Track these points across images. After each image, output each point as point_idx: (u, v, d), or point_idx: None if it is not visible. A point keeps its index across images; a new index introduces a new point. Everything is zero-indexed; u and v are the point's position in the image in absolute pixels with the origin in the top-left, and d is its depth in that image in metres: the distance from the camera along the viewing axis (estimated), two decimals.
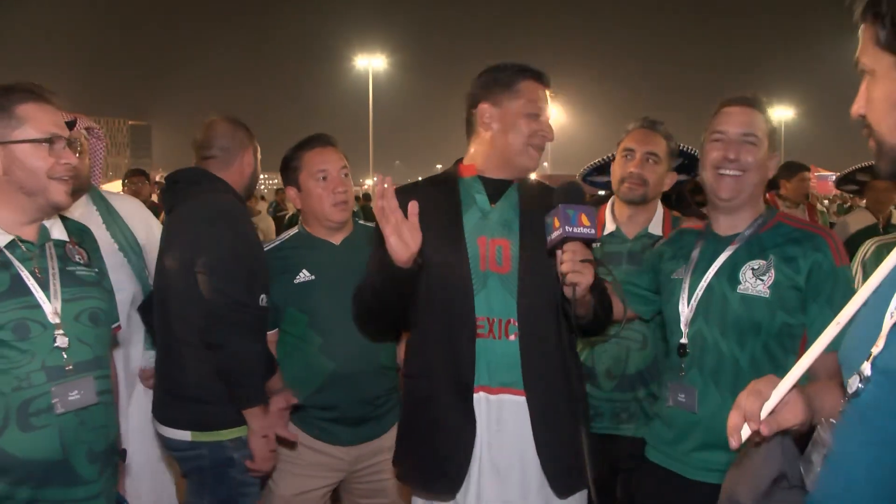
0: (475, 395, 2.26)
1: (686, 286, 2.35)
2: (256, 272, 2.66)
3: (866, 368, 1.21)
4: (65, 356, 2.10)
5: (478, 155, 2.42)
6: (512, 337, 2.26)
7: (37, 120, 2.08)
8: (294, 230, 3.00)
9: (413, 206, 2.12)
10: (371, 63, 51.38)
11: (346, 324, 2.73)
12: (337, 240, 2.93)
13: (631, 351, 2.93)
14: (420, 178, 2.70)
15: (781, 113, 60.77)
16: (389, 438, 2.70)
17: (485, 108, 2.37)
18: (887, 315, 1.21)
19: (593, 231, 2.03)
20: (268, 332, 2.83)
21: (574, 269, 2.04)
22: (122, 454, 2.42)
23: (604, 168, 3.68)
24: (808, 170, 6.43)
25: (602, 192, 4.36)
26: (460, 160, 2.51)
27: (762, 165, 2.30)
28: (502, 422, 2.26)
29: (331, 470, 2.85)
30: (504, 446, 2.25)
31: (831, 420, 1.28)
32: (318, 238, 2.92)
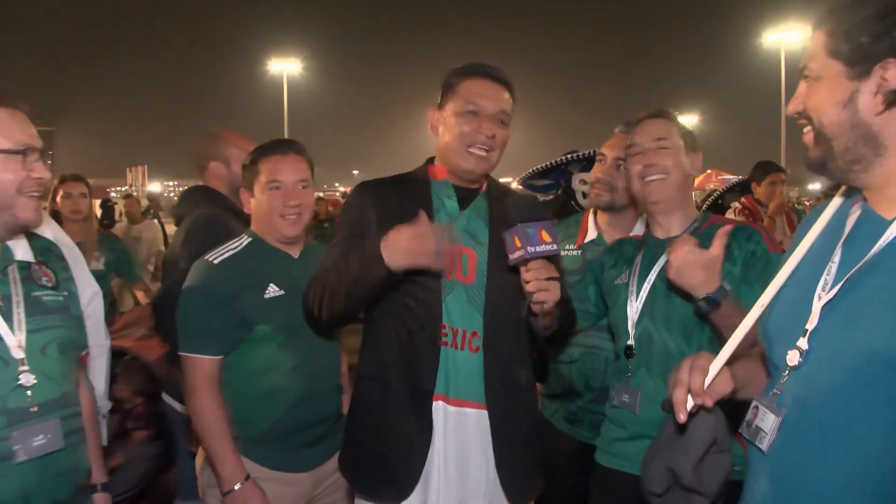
0: (434, 404, 2.23)
1: (633, 289, 2.40)
2: None
3: (803, 343, 1.44)
4: (29, 395, 1.87)
5: (439, 160, 2.41)
6: (475, 349, 2.25)
7: (8, 128, 1.86)
8: (244, 240, 2.72)
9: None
10: (286, 68, 50.74)
11: (316, 343, 2.64)
12: (295, 252, 2.74)
13: (609, 363, 2.83)
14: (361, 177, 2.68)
15: (685, 120, 62.84)
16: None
17: (430, 113, 2.38)
18: (815, 297, 1.45)
19: (555, 246, 2.01)
20: (207, 357, 2.53)
21: (540, 287, 2.01)
22: (105, 486, 2.24)
23: (545, 172, 3.70)
24: (782, 171, 6.07)
25: (548, 197, 4.40)
26: (431, 160, 2.45)
27: (679, 167, 2.39)
28: (462, 434, 2.23)
29: (294, 500, 2.66)
30: (463, 457, 2.23)
31: (775, 392, 1.48)
32: (277, 249, 2.71)
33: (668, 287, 2.30)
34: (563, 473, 2.91)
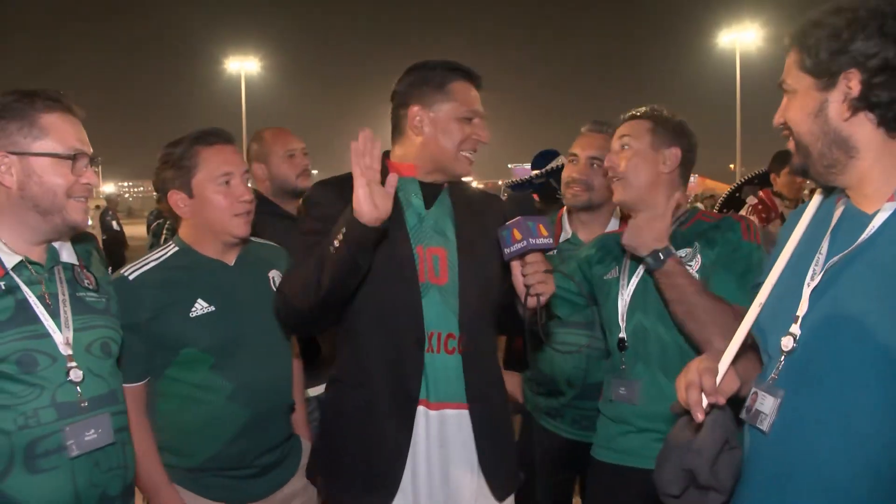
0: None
1: (623, 283, 2.45)
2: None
3: (795, 329, 1.55)
4: (79, 391, 1.88)
5: (408, 157, 2.32)
6: (451, 351, 2.23)
7: (61, 132, 1.89)
8: (170, 248, 2.41)
9: (392, 178, 2.02)
10: (244, 66, 50.28)
11: (259, 361, 2.38)
12: (230, 259, 2.43)
13: (591, 360, 2.84)
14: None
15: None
16: (297, 482, 2.51)
17: (415, 112, 2.28)
18: (805, 285, 1.56)
19: (551, 241, 2.07)
20: (131, 385, 2.24)
21: (539, 280, 2.06)
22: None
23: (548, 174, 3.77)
24: None
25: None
26: (386, 155, 2.36)
27: (643, 167, 2.40)
28: (444, 437, 2.22)
29: None
30: (446, 459, 2.22)
31: (772, 377, 1.59)
32: (209, 258, 2.39)
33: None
34: (546, 470, 2.90)
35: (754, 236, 2.39)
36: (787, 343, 1.55)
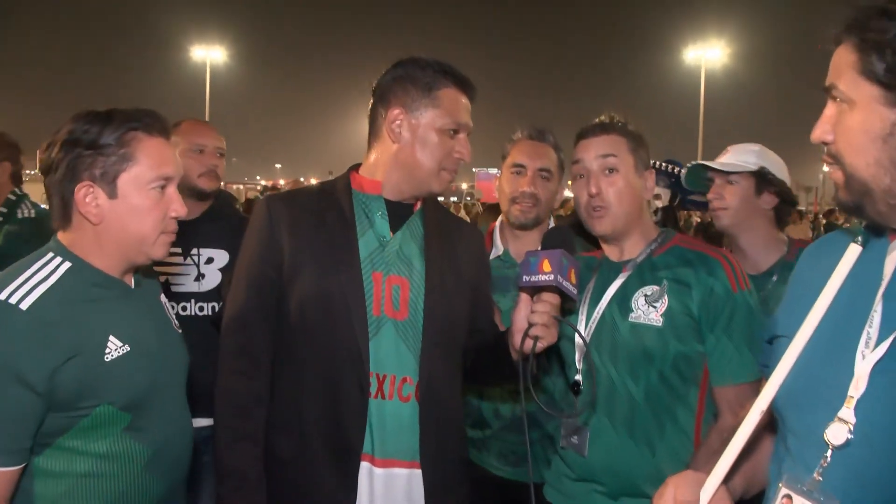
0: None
1: (583, 318, 2.19)
2: None
3: (848, 415, 1.18)
4: None
5: (379, 167, 2.06)
6: (405, 398, 1.95)
7: None
8: (54, 261, 1.74)
9: None
10: (209, 55, 49.58)
11: (173, 417, 1.92)
12: (130, 281, 1.89)
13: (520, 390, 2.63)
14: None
15: None
16: None
17: (396, 115, 2.01)
18: (858, 355, 1.20)
19: (575, 291, 1.83)
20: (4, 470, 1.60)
21: (544, 322, 1.80)
22: None
23: None
24: None
25: None
26: (355, 168, 2.13)
27: (628, 192, 2.16)
28: (390, 499, 1.94)
29: None
30: None
31: (815, 478, 1.23)
32: (111, 277, 1.80)
33: (617, 315, 2.13)
34: None
35: (743, 280, 2.08)
36: (837, 433, 1.19)
